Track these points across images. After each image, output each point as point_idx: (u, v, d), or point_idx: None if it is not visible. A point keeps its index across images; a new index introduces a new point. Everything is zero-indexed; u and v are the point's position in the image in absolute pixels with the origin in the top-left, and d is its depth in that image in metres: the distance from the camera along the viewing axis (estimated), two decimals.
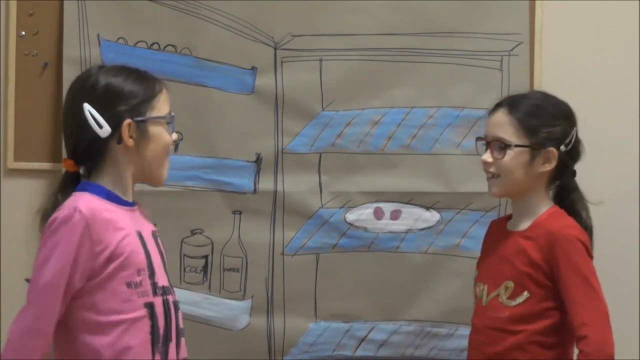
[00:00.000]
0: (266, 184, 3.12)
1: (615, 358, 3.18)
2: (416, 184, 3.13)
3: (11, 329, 2.10)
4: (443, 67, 3.13)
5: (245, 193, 3.12)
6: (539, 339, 2.38)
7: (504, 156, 2.40)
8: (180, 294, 3.07)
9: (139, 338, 2.14)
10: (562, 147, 2.41)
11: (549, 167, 2.41)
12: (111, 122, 2.18)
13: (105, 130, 2.18)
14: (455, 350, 3.14)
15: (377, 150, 3.13)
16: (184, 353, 2.25)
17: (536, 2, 3.15)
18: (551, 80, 3.11)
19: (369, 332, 3.14)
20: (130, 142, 2.20)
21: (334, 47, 3.11)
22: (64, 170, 2.24)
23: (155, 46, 3.09)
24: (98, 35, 3.07)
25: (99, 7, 3.07)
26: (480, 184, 3.10)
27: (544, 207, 2.44)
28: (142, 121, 2.21)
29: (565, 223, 2.40)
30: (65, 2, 3.06)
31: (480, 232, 3.11)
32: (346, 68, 3.12)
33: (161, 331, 2.18)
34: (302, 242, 3.13)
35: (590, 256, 2.37)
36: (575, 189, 2.47)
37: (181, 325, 2.26)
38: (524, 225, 2.44)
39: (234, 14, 3.09)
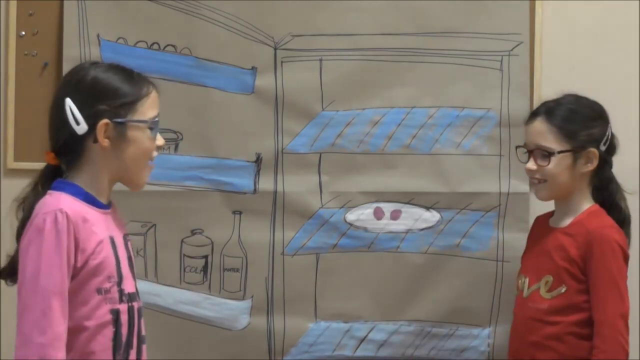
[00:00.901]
0: (266, 184, 3.12)
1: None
2: (416, 184, 3.13)
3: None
4: (443, 67, 3.13)
5: (245, 193, 3.12)
6: (575, 330, 2.50)
7: (548, 163, 2.53)
8: (180, 294, 3.09)
9: (101, 344, 2.14)
10: (602, 146, 2.55)
11: (592, 166, 2.54)
12: (89, 119, 2.18)
13: (81, 127, 2.17)
14: (455, 350, 3.14)
15: (377, 150, 3.13)
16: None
17: (536, 2, 3.15)
18: (551, 80, 3.11)
19: (369, 332, 3.14)
20: (105, 142, 2.18)
21: (333, 47, 3.11)
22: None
23: (155, 46, 3.08)
24: (98, 35, 3.06)
25: (99, 7, 3.06)
26: (480, 184, 3.12)
27: (585, 205, 2.56)
28: (121, 123, 2.19)
29: (604, 223, 2.52)
30: (65, 2, 3.06)
31: (481, 232, 3.12)
32: (346, 68, 3.12)
33: (123, 338, 2.18)
34: (302, 242, 3.13)
35: (626, 255, 2.49)
36: (612, 180, 2.61)
37: (143, 332, 2.26)
38: (565, 222, 2.58)
39: (234, 14, 3.09)
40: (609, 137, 2.59)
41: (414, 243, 3.14)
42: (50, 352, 2.03)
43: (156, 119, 2.25)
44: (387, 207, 3.14)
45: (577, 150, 2.53)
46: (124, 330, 2.18)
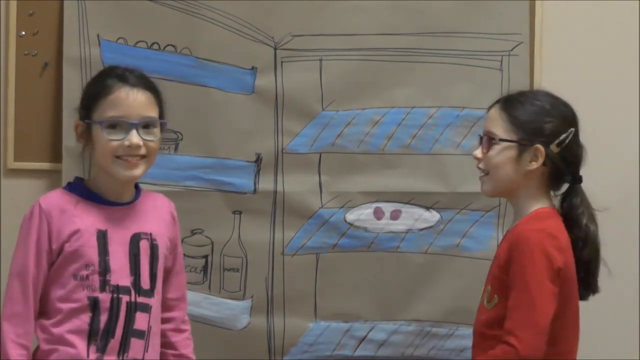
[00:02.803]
0: (266, 184, 3.12)
1: (616, 358, 3.20)
2: (416, 184, 3.14)
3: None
4: (443, 67, 3.13)
5: (245, 193, 3.12)
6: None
7: (489, 150, 2.35)
8: None
9: (76, 327, 2.27)
10: (553, 146, 2.32)
11: (536, 165, 2.32)
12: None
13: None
14: (455, 350, 3.14)
15: (377, 150, 3.13)
16: (134, 354, 2.31)
17: (536, 2, 3.15)
18: (551, 80, 3.10)
19: (369, 332, 3.14)
20: (80, 141, 2.36)
21: (334, 47, 3.11)
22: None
23: (155, 46, 3.08)
24: (98, 35, 3.06)
25: (99, 7, 3.06)
26: (480, 184, 3.11)
27: (533, 207, 2.35)
28: (87, 123, 2.34)
29: (537, 226, 2.29)
30: (65, 2, 3.06)
31: (480, 232, 3.12)
32: (346, 68, 3.12)
33: (101, 325, 2.27)
34: (302, 242, 3.13)
35: (551, 266, 2.22)
36: (577, 194, 2.36)
37: (137, 326, 2.32)
38: (512, 226, 2.39)
39: (234, 14, 3.09)
40: (566, 140, 2.33)
41: (413, 243, 3.14)
42: (3, 325, 2.26)
43: (110, 117, 2.32)
44: (387, 207, 3.14)
45: (522, 143, 2.31)
46: (103, 318, 2.28)
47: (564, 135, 2.34)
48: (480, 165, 2.40)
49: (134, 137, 2.31)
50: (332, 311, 3.14)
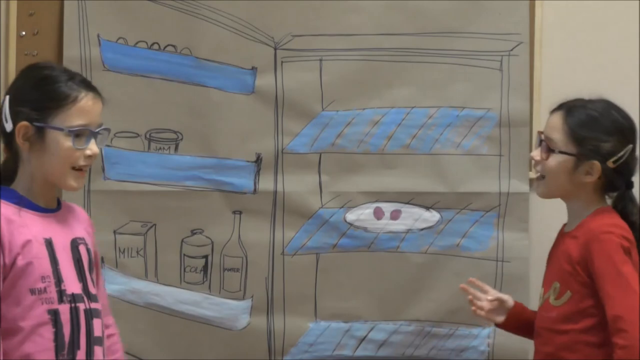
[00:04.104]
0: (266, 184, 3.12)
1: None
2: (416, 184, 3.13)
3: None
4: (443, 67, 3.13)
5: (245, 193, 3.12)
6: (586, 339, 2.39)
7: (548, 158, 2.45)
8: (181, 294, 3.09)
9: (39, 345, 2.13)
10: (609, 163, 2.42)
11: (591, 179, 2.43)
12: (14, 119, 2.18)
13: (8, 125, 2.18)
14: (455, 350, 3.14)
15: (377, 150, 3.13)
16: None
17: (536, 2, 3.15)
18: (551, 80, 3.11)
19: (369, 332, 3.14)
20: (24, 145, 2.18)
21: (334, 47, 3.11)
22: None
23: (155, 46, 3.08)
24: (98, 35, 3.06)
25: (99, 7, 3.06)
26: (480, 184, 3.12)
27: (593, 208, 2.45)
28: (40, 127, 2.17)
29: (608, 221, 2.41)
30: (65, 2, 3.06)
31: (480, 232, 3.13)
32: (346, 68, 3.12)
33: (66, 338, 2.15)
34: (302, 242, 3.13)
35: (628, 253, 2.36)
36: (630, 200, 2.47)
37: (96, 333, 2.22)
38: (574, 225, 2.48)
39: (234, 14, 3.09)
40: (624, 156, 2.42)
41: (413, 243, 3.14)
42: None
43: (77, 128, 2.18)
44: (387, 207, 3.14)
45: (579, 158, 2.42)
46: (66, 331, 2.15)
47: (621, 154, 2.43)
48: (538, 168, 2.50)
49: (94, 146, 2.21)
50: (332, 311, 3.14)
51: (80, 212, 2.35)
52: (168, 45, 3.08)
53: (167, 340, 3.10)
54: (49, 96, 2.19)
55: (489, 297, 2.67)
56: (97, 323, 2.23)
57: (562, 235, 2.53)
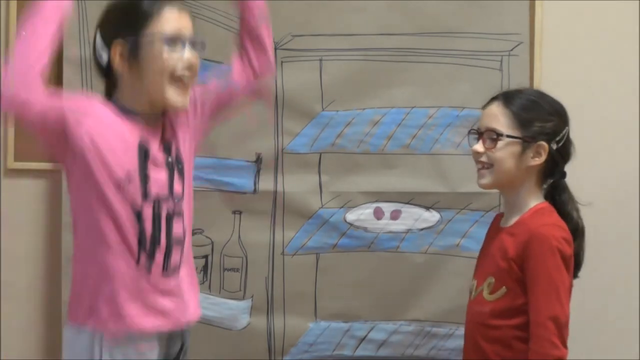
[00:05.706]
0: (266, 184, 3.12)
1: (616, 358, 3.19)
2: (416, 184, 3.14)
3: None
4: (443, 67, 3.13)
5: (245, 193, 3.12)
6: (519, 334, 2.39)
7: (495, 146, 2.43)
8: None
9: (128, 233, 2.17)
10: (553, 144, 2.44)
11: (539, 161, 2.43)
12: (108, 47, 2.22)
13: (105, 56, 2.22)
14: (455, 350, 3.14)
15: (377, 150, 3.13)
16: (175, 261, 2.23)
17: (536, 2, 3.15)
18: (551, 80, 3.11)
19: (369, 332, 3.15)
20: (123, 66, 2.21)
21: (334, 47, 3.11)
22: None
23: None
24: None
25: (99, 7, 3.05)
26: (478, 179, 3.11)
27: (532, 203, 2.46)
28: (134, 42, 2.20)
29: (546, 221, 2.41)
30: None
31: (480, 232, 3.11)
32: (346, 68, 3.12)
33: (147, 234, 2.18)
34: (302, 242, 3.13)
35: (565, 256, 2.36)
36: (565, 189, 2.49)
37: (176, 234, 2.24)
38: (511, 221, 2.47)
39: (234, 14, 3.08)
40: (564, 138, 2.46)
41: (413, 243, 3.14)
42: None
43: (173, 33, 2.21)
44: (387, 207, 3.14)
45: (527, 140, 2.42)
46: (148, 226, 2.19)
47: (562, 133, 2.45)
48: (482, 159, 2.47)
49: (190, 54, 2.25)
50: (332, 311, 3.14)
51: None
52: None
53: None
54: (135, 14, 2.22)
55: None
56: (177, 223, 2.24)
57: (497, 229, 2.53)
